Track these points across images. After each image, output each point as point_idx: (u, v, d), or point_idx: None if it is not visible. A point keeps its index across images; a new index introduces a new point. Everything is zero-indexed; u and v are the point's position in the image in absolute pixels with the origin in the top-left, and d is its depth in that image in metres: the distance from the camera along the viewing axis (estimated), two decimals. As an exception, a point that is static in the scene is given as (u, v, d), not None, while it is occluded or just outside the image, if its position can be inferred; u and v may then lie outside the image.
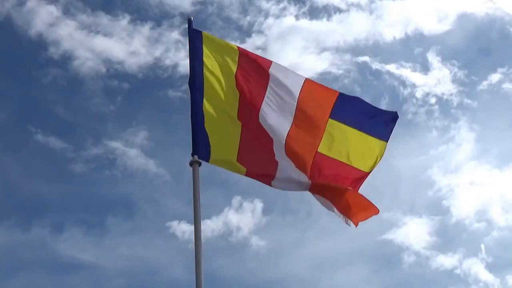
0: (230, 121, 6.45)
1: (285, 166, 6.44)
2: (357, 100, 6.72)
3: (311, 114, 6.58)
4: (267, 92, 6.54)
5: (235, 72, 6.54)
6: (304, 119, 6.55)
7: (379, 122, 6.67)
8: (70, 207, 19.72)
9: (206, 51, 6.53)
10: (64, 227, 19.15)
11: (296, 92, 6.55)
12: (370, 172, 6.68)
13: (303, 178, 6.46)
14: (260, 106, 6.48)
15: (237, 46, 6.68)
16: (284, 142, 6.44)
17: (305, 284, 18.49)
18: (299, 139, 6.49)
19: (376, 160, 6.70)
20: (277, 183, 6.48)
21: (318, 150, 6.52)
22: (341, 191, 6.54)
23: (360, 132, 6.65)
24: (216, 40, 6.68)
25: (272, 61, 6.64)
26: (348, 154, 6.60)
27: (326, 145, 6.55)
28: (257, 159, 6.48)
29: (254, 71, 6.59)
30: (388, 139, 6.70)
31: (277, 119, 6.48)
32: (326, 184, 6.52)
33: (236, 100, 6.48)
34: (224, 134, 6.42)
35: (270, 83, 6.55)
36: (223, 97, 6.47)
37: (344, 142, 6.60)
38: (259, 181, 6.54)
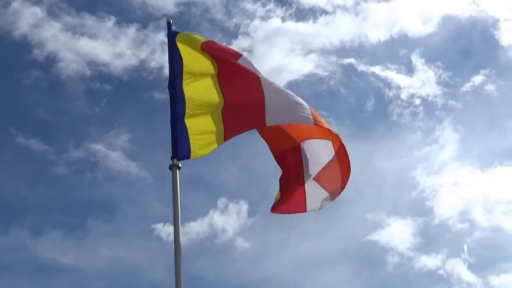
0: (214, 111, 6.39)
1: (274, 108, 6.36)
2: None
3: None
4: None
5: (214, 63, 6.51)
6: None
7: None
8: (50, 210, 19.63)
9: (182, 50, 6.47)
10: (44, 230, 19.05)
11: None
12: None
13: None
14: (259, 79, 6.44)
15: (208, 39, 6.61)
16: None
17: (287, 285, 18.54)
18: None
19: None
20: (270, 119, 6.34)
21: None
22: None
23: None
24: (190, 36, 6.61)
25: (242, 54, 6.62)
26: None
27: None
28: (244, 118, 6.40)
29: (227, 58, 6.56)
30: None
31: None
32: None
33: (219, 92, 6.45)
34: (207, 126, 6.35)
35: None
36: (205, 91, 6.43)
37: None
38: (251, 129, 6.45)
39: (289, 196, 6.69)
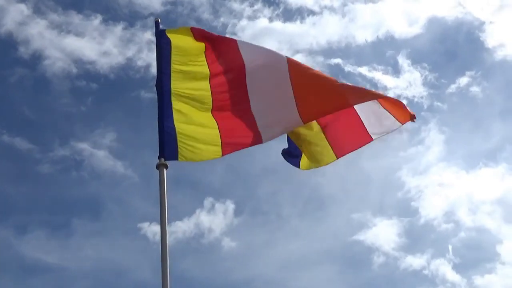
0: (204, 112, 6.37)
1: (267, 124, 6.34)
2: None
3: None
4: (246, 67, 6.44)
5: (205, 58, 6.48)
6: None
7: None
8: (35, 208, 19.46)
9: (173, 48, 6.44)
10: (28, 229, 18.89)
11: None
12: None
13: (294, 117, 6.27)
14: (245, 78, 6.39)
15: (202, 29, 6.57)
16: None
17: (274, 284, 18.53)
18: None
19: None
20: (265, 135, 6.33)
21: None
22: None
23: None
24: (180, 31, 6.56)
25: (236, 40, 6.58)
26: None
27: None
28: (240, 133, 6.37)
29: (224, 50, 6.51)
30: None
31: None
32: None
33: (209, 88, 6.41)
34: (197, 128, 6.32)
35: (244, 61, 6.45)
36: (194, 91, 6.39)
37: None
38: (245, 147, 6.42)
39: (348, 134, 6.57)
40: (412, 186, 20.34)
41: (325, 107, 6.28)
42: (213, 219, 19.04)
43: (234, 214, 19.20)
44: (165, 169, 6.05)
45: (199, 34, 6.55)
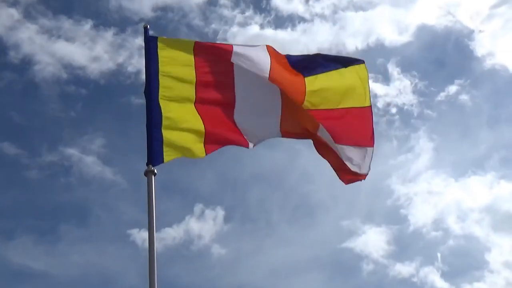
0: (190, 113, 6.40)
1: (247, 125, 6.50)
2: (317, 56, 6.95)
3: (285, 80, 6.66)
4: (235, 75, 6.57)
5: (194, 66, 6.49)
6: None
7: (345, 59, 6.99)
8: (22, 214, 19.36)
9: (161, 54, 6.43)
10: (15, 234, 18.79)
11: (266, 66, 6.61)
12: (370, 105, 6.84)
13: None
14: (234, 85, 6.54)
15: (195, 41, 6.62)
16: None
17: (261, 291, 18.50)
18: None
19: (365, 88, 6.86)
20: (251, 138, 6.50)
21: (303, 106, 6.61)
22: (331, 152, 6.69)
23: (335, 71, 6.83)
24: (171, 40, 6.58)
25: (232, 45, 6.66)
26: (336, 99, 6.75)
27: (309, 101, 6.63)
28: (227, 131, 6.48)
29: (215, 59, 6.58)
30: (363, 62, 6.92)
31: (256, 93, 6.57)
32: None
33: (193, 91, 6.43)
34: (183, 133, 6.32)
35: (234, 67, 6.58)
36: (181, 96, 6.41)
37: (326, 91, 6.74)
38: (232, 144, 6.52)
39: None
40: (401, 193, 20.43)
41: (304, 132, 6.73)
42: (203, 225, 19.02)
43: (224, 220, 19.18)
44: (153, 176, 6.02)
45: (198, 46, 6.59)
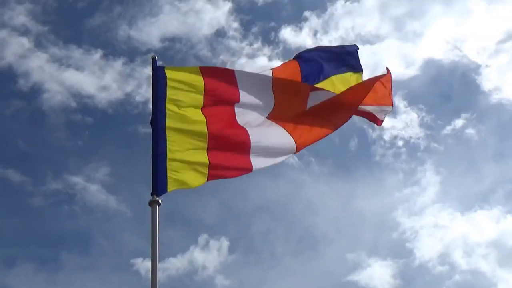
0: (197, 144, 6.39)
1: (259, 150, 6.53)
2: (316, 50, 7.26)
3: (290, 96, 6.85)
4: (240, 94, 6.67)
5: (202, 94, 6.55)
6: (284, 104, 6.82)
7: (344, 57, 7.24)
8: (24, 241, 19.26)
9: (169, 83, 6.47)
10: (16, 262, 18.67)
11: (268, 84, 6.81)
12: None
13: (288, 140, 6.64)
14: (234, 111, 6.61)
15: (199, 66, 6.71)
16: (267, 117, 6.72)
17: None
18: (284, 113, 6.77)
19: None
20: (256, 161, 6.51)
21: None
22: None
23: (336, 76, 7.16)
24: (178, 68, 6.66)
25: (234, 70, 6.81)
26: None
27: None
28: (230, 162, 6.49)
29: (222, 82, 6.68)
30: (362, 69, 7.34)
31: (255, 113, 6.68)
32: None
33: (204, 121, 6.46)
34: (186, 164, 6.31)
35: (239, 87, 6.70)
36: (188, 125, 6.42)
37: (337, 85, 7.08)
38: (235, 176, 6.52)
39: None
40: (407, 226, 20.28)
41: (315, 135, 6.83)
42: (207, 256, 18.89)
43: (228, 251, 19.06)
44: (157, 206, 5.99)
45: (205, 71, 6.67)
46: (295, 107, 6.85)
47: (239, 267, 19.68)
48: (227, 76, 6.74)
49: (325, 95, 6.91)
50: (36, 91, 19.75)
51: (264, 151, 6.57)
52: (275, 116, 6.78)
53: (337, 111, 6.88)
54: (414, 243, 20.17)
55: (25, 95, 19.85)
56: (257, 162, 6.52)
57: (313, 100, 6.88)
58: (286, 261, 19.91)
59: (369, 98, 6.98)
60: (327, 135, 6.88)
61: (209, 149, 6.39)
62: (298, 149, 6.73)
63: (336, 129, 6.91)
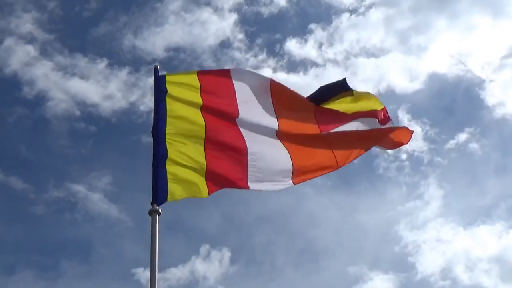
0: (195, 153, 6.40)
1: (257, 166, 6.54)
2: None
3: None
4: (237, 100, 6.70)
5: (201, 101, 6.57)
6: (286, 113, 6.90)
7: (334, 86, 7.55)
8: (24, 249, 19.29)
9: (169, 90, 6.50)
10: (16, 269, 18.66)
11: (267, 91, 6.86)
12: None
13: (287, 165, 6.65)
14: (237, 115, 6.63)
15: (197, 71, 6.76)
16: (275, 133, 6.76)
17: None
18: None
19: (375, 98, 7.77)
20: (253, 184, 6.52)
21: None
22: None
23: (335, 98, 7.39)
24: (177, 75, 6.69)
25: (230, 69, 6.85)
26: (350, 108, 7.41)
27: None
28: (228, 172, 6.48)
29: (219, 86, 6.72)
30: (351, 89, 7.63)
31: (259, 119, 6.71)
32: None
33: (203, 129, 6.48)
34: (189, 174, 6.32)
35: (236, 92, 6.73)
36: (188, 135, 6.44)
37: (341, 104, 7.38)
38: (233, 187, 6.50)
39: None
40: (410, 240, 20.25)
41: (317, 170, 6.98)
42: (209, 266, 18.84)
43: (230, 262, 19.01)
44: (157, 216, 5.98)
45: (201, 72, 6.74)
46: (303, 127, 6.90)
47: (240, 279, 19.65)
48: (222, 73, 6.83)
49: (341, 118, 7.15)
50: (40, 99, 19.85)
51: (261, 172, 6.57)
52: (280, 134, 6.80)
53: (352, 146, 7.24)
54: (416, 257, 20.13)
55: (29, 102, 19.95)
56: (254, 185, 6.52)
57: (325, 120, 7.02)
58: (287, 273, 19.86)
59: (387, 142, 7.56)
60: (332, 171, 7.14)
61: (207, 158, 6.39)
62: (295, 175, 6.72)
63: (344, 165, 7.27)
